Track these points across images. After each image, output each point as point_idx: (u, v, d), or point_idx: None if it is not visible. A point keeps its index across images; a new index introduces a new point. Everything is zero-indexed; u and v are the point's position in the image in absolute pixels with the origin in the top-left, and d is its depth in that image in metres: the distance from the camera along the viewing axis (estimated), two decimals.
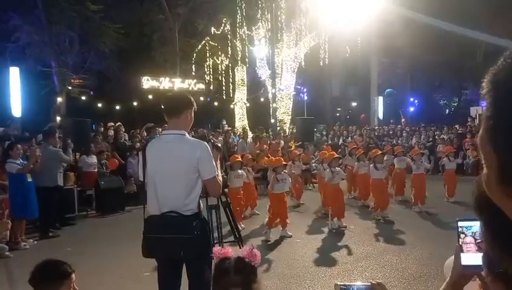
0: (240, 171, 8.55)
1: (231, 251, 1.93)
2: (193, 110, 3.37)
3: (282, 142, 14.95)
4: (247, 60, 19.19)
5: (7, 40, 18.71)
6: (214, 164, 3.26)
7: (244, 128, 17.47)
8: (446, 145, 14.21)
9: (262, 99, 22.43)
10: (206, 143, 3.29)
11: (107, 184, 10.49)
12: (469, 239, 1.26)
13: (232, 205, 5.16)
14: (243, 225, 8.02)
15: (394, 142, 17.90)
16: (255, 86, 21.72)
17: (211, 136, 11.69)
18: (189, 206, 3.16)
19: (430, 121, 22.30)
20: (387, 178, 10.12)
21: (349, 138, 18.84)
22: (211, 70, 20.30)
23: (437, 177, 12.34)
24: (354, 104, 34.17)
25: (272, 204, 7.65)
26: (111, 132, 13.87)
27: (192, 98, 3.42)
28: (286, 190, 7.98)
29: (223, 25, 18.81)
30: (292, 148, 14.59)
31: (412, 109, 30.06)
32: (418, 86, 30.56)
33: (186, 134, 3.31)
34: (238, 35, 18.60)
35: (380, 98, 27.64)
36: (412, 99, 30.42)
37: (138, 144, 11.83)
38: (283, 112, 18.33)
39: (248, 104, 20.48)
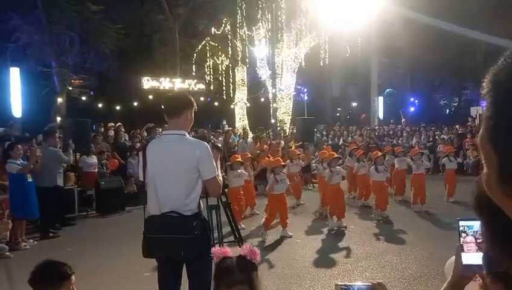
0: (239, 170, 8.54)
1: (230, 251, 1.95)
2: (193, 110, 3.37)
3: (283, 142, 14.95)
4: (247, 60, 19.19)
5: (7, 40, 18.71)
6: (214, 164, 3.26)
7: (244, 129, 17.48)
8: (446, 145, 14.20)
9: (262, 100, 22.44)
10: (206, 143, 3.29)
11: (107, 184, 10.49)
12: (470, 239, 1.26)
13: (231, 204, 5.16)
14: (243, 225, 8.01)
15: (394, 142, 17.89)
16: (255, 86, 21.72)
17: (211, 136, 11.69)
18: (190, 207, 3.16)
19: (430, 121, 22.30)
20: (389, 180, 10.13)
21: (350, 137, 18.84)
22: (211, 70, 20.31)
23: (437, 177, 12.34)
24: (354, 104, 34.17)
25: (272, 205, 7.61)
26: (111, 132, 13.88)
27: (192, 98, 3.42)
28: (285, 190, 7.96)
29: (223, 25, 18.82)
30: (292, 148, 14.61)
31: (412, 109, 30.06)
32: (418, 86, 30.55)
33: (187, 134, 3.31)
34: (238, 36, 18.61)
35: (380, 98, 27.65)
36: (412, 99, 30.42)
37: (138, 144, 11.83)
38: (283, 112, 18.34)
39: (248, 104, 20.48)
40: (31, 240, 7.87)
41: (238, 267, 1.84)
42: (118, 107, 27.51)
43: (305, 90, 28.51)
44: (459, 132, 17.52)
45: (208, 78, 20.71)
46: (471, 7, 19.15)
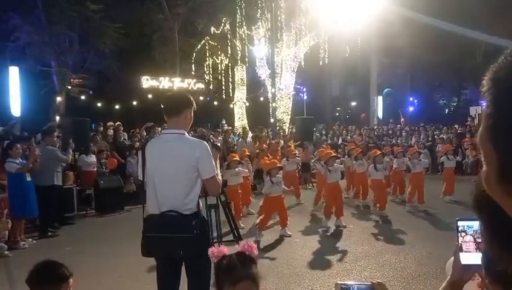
0: (237, 169, 8.51)
1: (226, 249, 1.95)
2: (193, 109, 3.36)
3: (282, 141, 14.96)
4: (246, 59, 19.19)
5: (7, 39, 18.69)
6: (214, 163, 3.26)
7: (244, 128, 17.48)
8: (445, 144, 14.20)
9: (261, 99, 22.42)
10: (205, 142, 3.28)
11: (106, 183, 10.49)
12: (469, 238, 1.26)
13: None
14: (242, 225, 8.01)
15: (394, 141, 17.91)
16: (254, 85, 21.71)
17: (210, 136, 11.69)
18: (189, 206, 3.16)
19: (429, 120, 22.30)
20: (387, 179, 10.13)
21: (349, 137, 18.86)
22: (211, 69, 20.31)
23: (436, 177, 12.36)
24: (353, 103, 34.18)
25: (266, 207, 7.53)
26: (110, 132, 13.86)
27: (191, 98, 3.42)
28: (283, 192, 7.91)
29: (222, 24, 18.81)
30: (291, 148, 14.62)
31: (411, 108, 30.07)
32: (418, 86, 30.56)
33: (186, 133, 3.31)
34: (237, 35, 18.60)
35: (380, 98, 27.66)
36: (411, 99, 30.43)
37: (137, 143, 11.83)
38: (283, 111, 18.34)
39: (248, 104, 20.48)
40: (30, 239, 7.86)
41: (239, 263, 1.85)
42: (117, 107, 27.46)
43: (305, 89, 28.50)
44: (458, 131, 17.54)
45: (207, 77, 20.71)
46: (471, 7, 19.16)
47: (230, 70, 20.05)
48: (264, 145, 13.63)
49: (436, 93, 32.97)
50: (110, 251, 7.04)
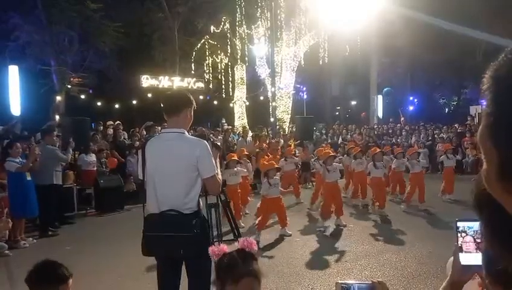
0: (235, 169, 8.48)
1: (227, 247, 1.95)
2: (192, 108, 3.36)
3: (282, 141, 14.96)
4: (246, 58, 19.19)
5: (7, 39, 18.67)
6: (214, 162, 3.25)
7: (244, 127, 17.48)
8: (445, 143, 14.19)
9: (261, 98, 22.43)
10: (205, 142, 3.28)
11: (106, 183, 10.49)
12: (469, 239, 1.26)
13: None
14: (242, 224, 8.01)
15: (394, 141, 17.91)
16: (254, 84, 21.71)
17: (210, 135, 11.70)
18: (189, 205, 3.16)
19: (429, 120, 22.29)
20: (387, 179, 10.13)
21: (349, 136, 18.86)
22: (211, 69, 20.32)
23: (436, 176, 12.36)
24: (353, 103, 34.18)
25: (264, 208, 7.52)
26: (110, 131, 13.86)
27: (191, 97, 3.42)
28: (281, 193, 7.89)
29: (222, 23, 18.82)
30: (292, 147, 14.62)
31: (411, 107, 30.07)
32: (418, 85, 30.54)
33: (186, 132, 3.31)
34: (237, 34, 18.61)
35: (380, 97, 27.65)
36: (411, 98, 30.43)
37: (137, 142, 11.83)
38: (282, 110, 18.34)
39: (247, 103, 20.49)
40: (30, 239, 7.87)
41: (240, 260, 1.85)
42: (117, 106, 27.47)
43: (305, 88, 28.51)
44: (458, 130, 17.53)
45: (207, 76, 20.72)
46: (471, 6, 19.14)
47: (230, 69, 20.06)
48: (264, 145, 13.63)
49: (436, 93, 32.96)
50: (110, 250, 7.04)
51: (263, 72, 18.78)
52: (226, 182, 8.22)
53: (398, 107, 25.97)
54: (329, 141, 17.96)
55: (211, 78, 20.80)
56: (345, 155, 11.72)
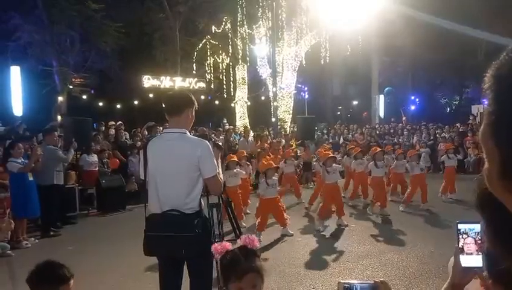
0: (235, 170, 8.42)
1: (229, 244, 1.98)
2: (194, 108, 3.37)
3: (283, 141, 14.95)
4: (248, 58, 19.18)
5: (8, 39, 18.71)
6: (215, 162, 3.26)
7: (245, 127, 17.47)
8: (447, 143, 14.15)
9: (263, 98, 22.42)
10: (207, 142, 3.28)
11: (108, 183, 10.50)
12: (469, 241, 1.27)
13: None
14: (244, 224, 8.01)
15: (395, 140, 17.89)
16: (255, 84, 21.71)
17: (212, 135, 11.69)
18: (190, 205, 3.16)
19: (431, 119, 22.26)
20: (388, 178, 10.10)
21: (350, 136, 18.85)
22: (212, 69, 20.31)
23: (437, 176, 12.33)
24: (354, 102, 34.16)
25: (262, 209, 7.53)
26: (112, 131, 13.88)
27: (193, 97, 3.42)
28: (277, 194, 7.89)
29: (223, 23, 18.81)
30: (293, 147, 14.61)
31: (413, 107, 30.04)
32: (419, 85, 30.51)
33: (187, 132, 3.31)
34: (238, 34, 18.59)
35: (381, 97, 27.62)
36: (413, 97, 30.40)
37: (139, 142, 11.84)
38: (284, 110, 18.32)
39: (249, 103, 20.49)
40: (32, 239, 7.89)
41: (243, 257, 1.88)
42: (118, 106, 27.50)
43: (306, 88, 28.50)
44: (460, 130, 17.51)
45: (208, 76, 20.72)
46: (471, 6, 19.11)
47: (231, 69, 20.06)
48: (266, 145, 13.63)
49: (438, 92, 32.93)
50: (112, 250, 7.05)
51: (264, 72, 18.77)
52: (226, 183, 8.19)
53: (400, 106, 25.95)
54: (330, 140, 17.96)
55: (212, 78, 20.79)
56: (345, 156, 11.69)
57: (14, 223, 7.31)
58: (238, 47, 18.83)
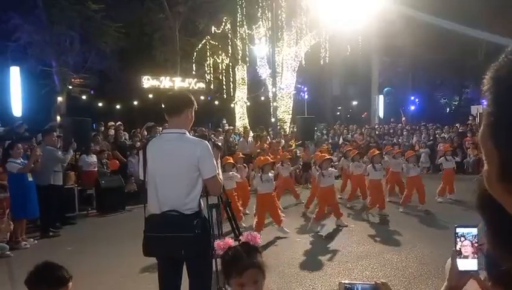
0: (231, 173, 8.31)
1: (232, 241, 2.00)
2: (194, 109, 3.37)
3: (283, 141, 14.95)
4: (247, 59, 19.18)
5: (8, 39, 18.71)
6: (215, 163, 3.25)
7: (245, 128, 17.47)
8: (446, 144, 14.16)
9: (262, 98, 22.43)
10: (206, 142, 3.28)
11: (107, 183, 10.50)
12: (466, 243, 1.27)
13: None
14: (243, 224, 8.00)
15: (395, 141, 17.90)
16: (255, 85, 21.71)
17: (211, 135, 11.69)
18: (190, 205, 3.16)
19: (430, 119, 22.27)
20: (386, 181, 10.09)
21: (350, 136, 18.86)
22: (212, 69, 20.31)
23: (437, 177, 12.32)
24: (354, 103, 34.18)
25: (260, 206, 7.54)
26: (111, 131, 13.88)
27: (192, 97, 3.42)
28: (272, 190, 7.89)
29: (223, 24, 18.81)
30: (293, 148, 14.61)
31: (412, 107, 30.06)
32: (419, 85, 30.54)
33: (187, 133, 3.31)
34: (238, 34, 18.60)
35: (381, 97, 27.64)
36: (412, 98, 30.42)
37: (139, 143, 11.83)
38: (283, 111, 18.33)
39: (248, 103, 20.49)
40: (32, 239, 7.88)
41: (244, 253, 1.89)
42: (118, 106, 27.51)
43: (306, 89, 28.52)
44: (460, 130, 17.51)
45: (208, 77, 20.72)
46: (471, 6, 19.12)
47: (231, 69, 20.06)
48: (265, 145, 13.63)
49: (438, 92, 32.95)
50: (112, 250, 7.05)
51: (264, 72, 18.77)
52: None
53: (400, 107, 25.96)
54: (330, 141, 17.96)
55: (212, 79, 20.79)
56: (342, 158, 11.66)
57: (13, 223, 7.32)
58: (238, 47, 18.83)
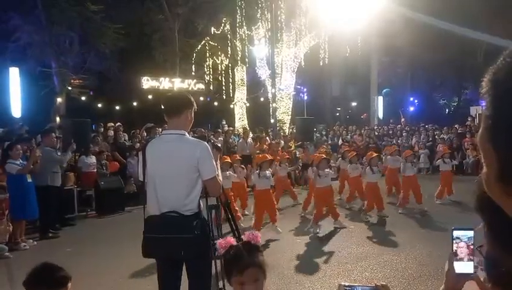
0: (227, 172, 8.29)
1: (233, 240, 2.01)
2: (193, 110, 3.37)
3: (282, 142, 14.95)
4: (247, 59, 19.18)
5: (7, 40, 18.69)
6: (214, 164, 3.26)
7: (244, 128, 17.47)
8: (445, 145, 14.15)
9: (262, 99, 22.43)
10: (206, 143, 3.29)
11: (106, 184, 10.49)
12: (462, 246, 1.28)
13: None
14: (242, 225, 8.00)
15: (394, 142, 17.90)
16: (254, 85, 21.71)
17: (211, 136, 11.70)
18: (189, 206, 3.16)
19: (430, 120, 22.30)
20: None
21: (349, 137, 18.86)
22: (211, 70, 20.31)
23: (436, 177, 12.32)
24: (354, 103, 34.20)
25: (258, 203, 7.57)
26: (111, 132, 13.87)
27: (192, 98, 3.42)
28: (271, 185, 7.93)
29: (222, 24, 18.81)
30: (292, 149, 14.61)
31: (411, 108, 30.09)
32: (418, 85, 30.56)
33: (186, 134, 3.31)
34: (237, 35, 18.59)
35: (380, 98, 27.68)
36: (412, 98, 30.44)
37: (138, 144, 11.81)
38: (283, 111, 18.32)
39: (248, 104, 20.48)
40: (31, 240, 7.86)
41: (246, 252, 1.91)
42: (117, 107, 27.51)
43: (305, 89, 28.52)
44: (459, 131, 17.53)
45: (207, 78, 20.72)
46: (471, 7, 19.15)
47: (230, 70, 20.05)
48: (265, 146, 13.63)
49: (437, 93, 32.98)
50: (111, 251, 7.04)
51: (263, 73, 18.77)
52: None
53: (399, 107, 25.99)
54: (329, 142, 17.95)
55: (211, 80, 20.80)
56: (340, 159, 11.64)
57: (13, 224, 7.34)
58: (237, 48, 18.83)
